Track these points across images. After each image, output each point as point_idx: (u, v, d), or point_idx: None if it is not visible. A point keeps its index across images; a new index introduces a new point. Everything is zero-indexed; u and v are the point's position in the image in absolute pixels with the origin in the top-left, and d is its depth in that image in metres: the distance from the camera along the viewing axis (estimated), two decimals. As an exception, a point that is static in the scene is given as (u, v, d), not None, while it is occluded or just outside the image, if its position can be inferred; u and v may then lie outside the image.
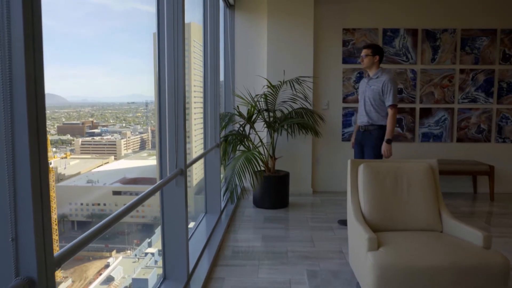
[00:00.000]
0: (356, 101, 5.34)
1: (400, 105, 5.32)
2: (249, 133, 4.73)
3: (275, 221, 4.07)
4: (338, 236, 3.64)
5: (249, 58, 5.32)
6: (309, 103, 5.03)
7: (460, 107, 5.36)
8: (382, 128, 3.70)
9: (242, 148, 4.61)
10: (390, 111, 3.64)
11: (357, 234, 2.37)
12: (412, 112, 5.34)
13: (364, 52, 3.76)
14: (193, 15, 3.87)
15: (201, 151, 3.83)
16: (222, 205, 4.18)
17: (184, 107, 2.45)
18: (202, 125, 3.99)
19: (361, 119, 3.85)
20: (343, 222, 3.97)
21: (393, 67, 5.29)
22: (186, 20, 2.42)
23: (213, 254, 3.07)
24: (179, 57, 2.34)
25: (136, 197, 1.86)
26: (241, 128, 4.74)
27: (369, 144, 3.77)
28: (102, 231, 1.46)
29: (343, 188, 5.41)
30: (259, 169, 4.21)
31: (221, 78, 5.16)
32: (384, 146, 3.62)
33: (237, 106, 4.76)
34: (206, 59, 3.88)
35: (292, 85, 4.70)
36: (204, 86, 3.93)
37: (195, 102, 4.14)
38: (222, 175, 4.55)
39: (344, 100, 5.34)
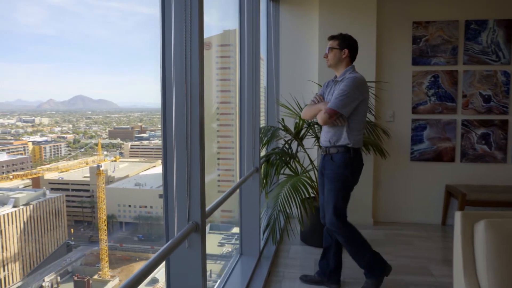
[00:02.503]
0: (431, 111, 4.21)
1: (486, 117, 4.12)
2: (297, 151, 3.78)
3: (330, 267, 3.07)
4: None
5: (297, 60, 4.36)
6: (372, 114, 3.98)
7: None
8: (348, 151, 2.49)
9: (287, 171, 3.67)
10: (322, 115, 2.44)
11: None
12: (503, 125, 4.12)
13: (329, 44, 2.61)
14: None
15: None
16: (262, 244, 3.26)
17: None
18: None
19: (322, 138, 2.65)
20: (307, 279, 2.86)
21: (477, 68, 4.11)
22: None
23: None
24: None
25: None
26: (287, 146, 3.79)
27: (328, 175, 2.58)
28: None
29: (412, 219, 4.28)
30: (308, 196, 3.26)
31: (262, 83, 4.26)
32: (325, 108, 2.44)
33: (282, 119, 3.83)
34: (243, 63, 2.99)
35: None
36: (240, 96, 3.04)
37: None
38: (262, 205, 3.64)
39: (414, 110, 4.23)
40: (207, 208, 1.76)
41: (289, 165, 3.59)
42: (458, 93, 4.17)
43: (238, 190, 3.04)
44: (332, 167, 2.54)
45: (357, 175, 2.59)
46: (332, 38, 2.65)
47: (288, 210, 3.09)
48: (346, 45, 2.60)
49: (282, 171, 3.60)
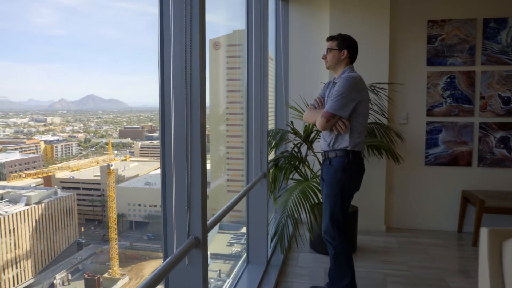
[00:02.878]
0: (446, 113, 4.02)
1: (505, 120, 3.92)
2: (306, 155, 3.64)
3: (340, 278, 2.92)
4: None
5: (306, 61, 4.21)
6: (385, 117, 3.81)
7: None
8: (347, 155, 2.35)
9: (297, 176, 3.53)
10: (319, 119, 2.32)
11: None
12: (523, 128, 3.91)
13: (327, 45, 2.49)
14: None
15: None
16: (270, 252, 3.13)
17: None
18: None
19: (321, 141, 2.53)
20: None
21: (496, 69, 3.90)
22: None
23: None
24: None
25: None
26: (296, 149, 3.65)
27: (326, 180, 2.44)
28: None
29: (426, 225, 4.10)
30: (318, 202, 3.12)
31: (271, 84, 4.12)
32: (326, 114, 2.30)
33: (291, 122, 3.68)
34: (250, 64, 2.86)
35: (363, 94, 3.52)
36: (248, 97, 2.91)
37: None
38: (271, 211, 3.51)
39: (429, 112, 4.05)
40: (209, 221, 1.64)
41: (298, 170, 3.45)
42: (476, 94, 3.97)
43: (246, 197, 2.92)
44: (330, 172, 2.40)
45: (356, 181, 2.43)
46: (330, 38, 2.51)
47: (297, 217, 2.96)
48: (346, 45, 2.45)
49: (291, 176, 3.46)
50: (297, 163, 3.49)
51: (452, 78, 3.98)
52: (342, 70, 2.44)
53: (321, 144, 2.51)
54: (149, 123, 14.70)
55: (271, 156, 3.60)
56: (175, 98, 1.40)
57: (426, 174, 4.09)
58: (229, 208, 2.04)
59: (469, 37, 3.93)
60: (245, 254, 3.00)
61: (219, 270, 5.18)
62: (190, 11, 1.38)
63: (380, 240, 3.77)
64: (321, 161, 2.60)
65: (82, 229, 13.47)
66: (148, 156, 14.11)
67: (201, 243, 1.45)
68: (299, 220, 2.98)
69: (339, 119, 2.29)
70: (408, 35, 4.03)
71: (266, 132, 2.99)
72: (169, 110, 1.42)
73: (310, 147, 3.55)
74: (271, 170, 3.46)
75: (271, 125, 4.03)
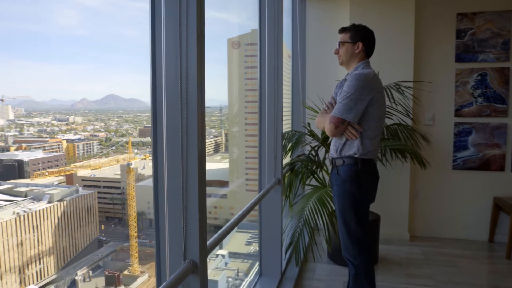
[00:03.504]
0: (477, 114, 3.69)
1: (544, 120, 3.56)
2: (324, 159, 3.40)
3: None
4: None
5: (324, 59, 3.95)
6: (410, 118, 3.52)
7: None
8: (356, 163, 2.04)
9: (314, 181, 3.29)
10: (327, 125, 2.06)
11: None
12: None
13: (339, 38, 2.16)
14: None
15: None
16: (284, 264, 2.90)
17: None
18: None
19: (331, 147, 2.21)
20: None
21: (533, 66, 3.55)
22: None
23: None
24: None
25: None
26: (313, 152, 3.41)
27: (334, 192, 2.16)
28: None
29: (454, 234, 3.78)
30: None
31: (288, 83, 3.89)
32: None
33: (308, 123, 3.44)
34: (263, 63, 2.64)
35: (388, 93, 3.25)
36: (260, 98, 2.69)
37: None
38: (286, 218, 3.29)
39: (458, 112, 3.73)
40: (209, 242, 1.42)
41: (315, 175, 3.21)
42: (510, 93, 3.62)
43: (259, 205, 2.70)
44: (338, 182, 2.11)
45: (367, 192, 2.11)
46: (343, 30, 2.18)
47: (313, 226, 2.72)
48: (360, 37, 2.12)
49: (308, 181, 3.22)
50: (314, 167, 3.25)
51: (484, 75, 3.64)
52: (355, 66, 2.12)
53: (330, 150, 2.22)
54: (169, 122, 14.67)
55: (287, 159, 3.37)
56: (168, 99, 1.20)
57: (454, 179, 3.77)
58: (235, 223, 1.83)
59: (503, 31, 3.58)
60: (258, 266, 2.79)
61: (237, 269, 5.04)
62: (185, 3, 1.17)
63: (403, 250, 3.49)
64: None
65: (103, 226, 13.58)
66: (167, 154, 14.08)
67: (199, 269, 1.24)
68: (315, 228, 2.75)
69: (349, 124, 2.02)
70: (435, 30, 3.71)
71: (281, 135, 2.76)
72: (161, 112, 1.21)
73: (328, 150, 3.30)
74: (286, 175, 3.23)
75: (287, 127, 3.80)
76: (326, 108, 2.24)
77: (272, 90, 2.64)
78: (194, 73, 1.16)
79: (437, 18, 3.70)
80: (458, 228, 3.78)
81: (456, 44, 3.68)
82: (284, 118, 4.01)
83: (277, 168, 2.73)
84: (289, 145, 3.35)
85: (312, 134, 3.35)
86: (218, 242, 1.56)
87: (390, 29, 3.62)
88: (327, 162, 3.43)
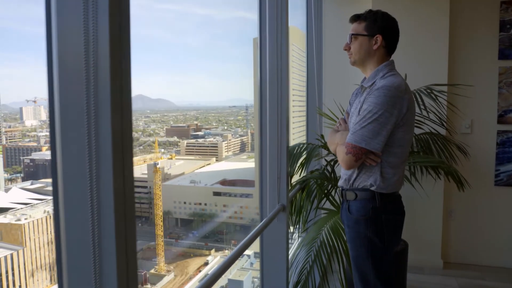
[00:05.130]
0: (526, 121, 3.07)
1: None
2: (341, 175, 2.90)
3: None
4: None
5: (343, 61, 3.43)
6: (444, 127, 2.95)
7: None
8: (373, 197, 1.53)
9: (328, 204, 2.79)
10: (344, 156, 1.51)
11: None
12: None
13: (351, 29, 1.61)
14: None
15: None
16: (292, 304, 2.45)
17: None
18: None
19: (341, 174, 1.71)
20: None
21: None
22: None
23: None
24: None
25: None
26: (329, 168, 2.92)
27: (346, 234, 1.68)
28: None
29: (495, 262, 3.18)
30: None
31: (299, 87, 3.41)
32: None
33: (321, 135, 2.95)
34: (264, 63, 2.17)
35: (418, 97, 2.71)
36: (261, 105, 2.22)
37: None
38: (291, 249, 2.83)
39: (501, 119, 3.11)
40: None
41: (330, 196, 2.71)
42: None
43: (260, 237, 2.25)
44: (349, 223, 1.62)
45: (391, 236, 1.58)
46: (356, 18, 1.60)
47: (325, 261, 2.25)
48: (379, 28, 1.54)
49: (322, 204, 2.73)
50: (329, 187, 2.76)
51: (534, 75, 3.01)
52: (375, 69, 1.57)
53: (340, 177, 1.73)
54: (195, 122, 14.56)
55: (296, 177, 2.89)
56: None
57: (496, 197, 3.17)
58: (229, 263, 1.39)
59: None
60: (259, 306, 2.35)
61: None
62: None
63: (436, 281, 2.94)
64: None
65: (130, 225, 13.67)
66: (193, 154, 14.03)
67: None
68: (328, 266, 2.28)
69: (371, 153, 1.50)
70: (474, 22, 3.11)
71: (285, 152, 2.28)
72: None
73: (345, 166, 2.79)
74: (297, 195, 2.76)
75: (301, 140, 3.32)
76: (338, 125, 1.75)
77: (275, 95, 2.16)
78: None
79: (477, 8, 3.09)
80: (500, 255, 3.19)
81: (500, 38, 3.07)
82: (298, 129, 3.52)
83: (281, 191, 2.25)
84: (299, 162, 2.86)
85: (326, 147, 2.85)
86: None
87: (420, 24, 3.06)
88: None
